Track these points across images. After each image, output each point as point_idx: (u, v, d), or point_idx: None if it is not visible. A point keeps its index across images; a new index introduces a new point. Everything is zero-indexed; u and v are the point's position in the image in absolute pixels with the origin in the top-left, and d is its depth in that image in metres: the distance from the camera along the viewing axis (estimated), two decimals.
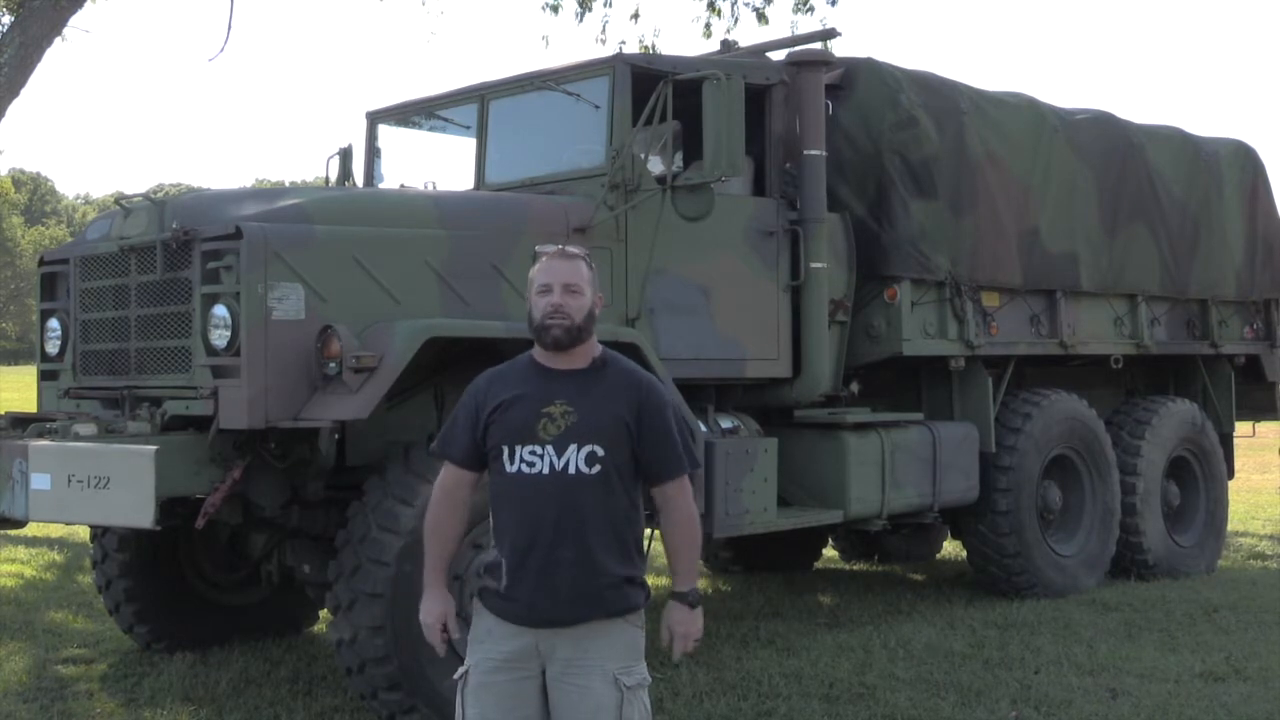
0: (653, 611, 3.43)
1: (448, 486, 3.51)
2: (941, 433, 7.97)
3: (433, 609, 3.50)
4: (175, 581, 6.88)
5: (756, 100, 7.22)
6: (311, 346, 5.35)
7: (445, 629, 3.50)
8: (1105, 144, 9.28)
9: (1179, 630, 7.51)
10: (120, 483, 4.97)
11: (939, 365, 8.28)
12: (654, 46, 14.95)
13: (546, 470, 3.32)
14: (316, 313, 5.41)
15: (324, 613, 6.37)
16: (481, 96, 7.45)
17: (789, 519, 7.17)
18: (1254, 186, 10.52)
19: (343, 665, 5.46)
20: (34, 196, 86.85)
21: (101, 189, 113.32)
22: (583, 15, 14.88)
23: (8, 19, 10.99)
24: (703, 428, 6.66)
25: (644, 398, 3.40)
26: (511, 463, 3.35)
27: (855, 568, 10.18)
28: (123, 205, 6.06)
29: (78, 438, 5.35)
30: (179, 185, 68.36)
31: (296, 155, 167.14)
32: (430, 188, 7.21)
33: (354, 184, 7.86)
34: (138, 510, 4.95)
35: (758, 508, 6.79)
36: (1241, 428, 10.74)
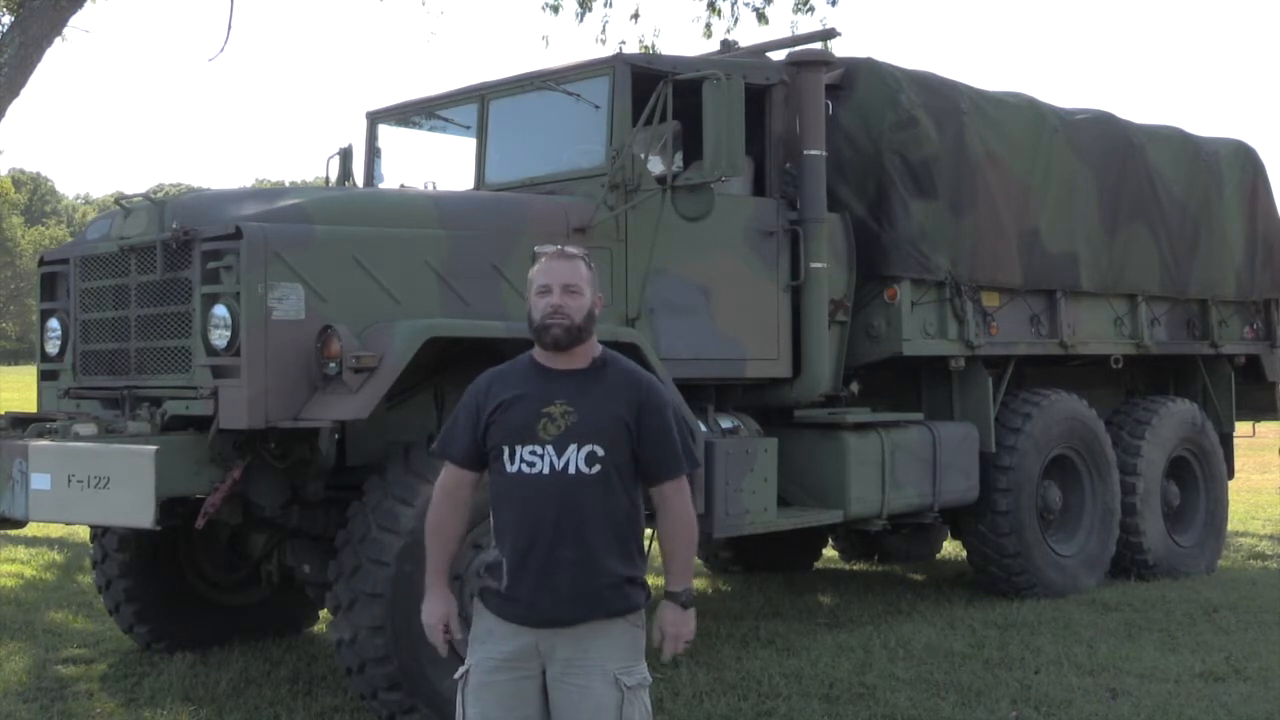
0: (652, 611, 3.43)
1: (449, 487, 3.52)
2: (941, 433, 7.97)
3: (435, 609, 3.50)
4: (175, 581, 6.88)
5: (756, 100, 7.22)
6: (311, 346, 5.35)
7: (447, 629, 3.49)
8: (1105, 144, 9.29)
9: (1179, 630, 7.51)
10: (120, 483, 4.97)
11: (939, 365, 8.28)
12: (654, 46, 14.97)
13: (546, 470, 3.32)
14: (316, 313, 5.41)
15: (324, 613, 6.38)
16: (481, 96, 7.45)
17: (789, 519, 7.17)
18: (1254, 186, 10.52)
19: (343, 665, 5.46)
20: (34, 196, 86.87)
21: (101, 189, 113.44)
22: (583, 15, 14.89)
23: (8, 19, 11.00)
24: (703, 428, 6.66)
25: (644, 397, 3.40)
26: (512, 463, 3.36)
27: (855, 568, 10.18)
28: (123, 205, 6.06)
29: (78, 438, 5.35)
30: (179, 185, 68.36)
31: (296, 155, 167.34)
32: (430, 188, 7.21)
33: (354, 184, 7.86)
34: (138, 510, 4.95)
35: (758, 508, 6.79)
36: (1241, 428, 10.74)
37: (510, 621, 3.35)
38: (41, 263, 6.60)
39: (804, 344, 7.34)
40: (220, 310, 5.34)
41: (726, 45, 8.81)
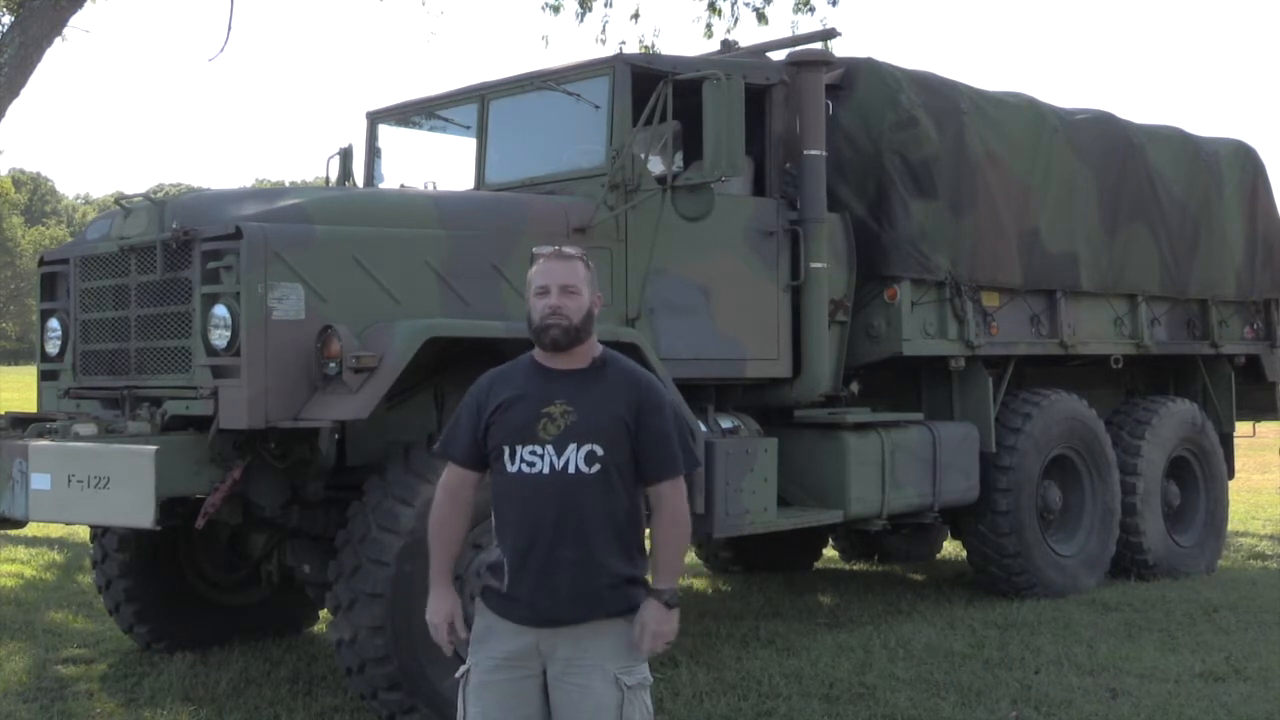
0: None
1: (451, 487, 3.52)
2: (941, 433, 7.97)
3: (440, 608, 3.49)
4: (175, 581, 6.88)
5: (756, 100, 7.22)
6: (311, 346, 5.35)
7: (452, 628, 3.49)
8: (1105, 144, 9.29)
9: (1179, 630, 7.51)
10: (120, 483, 4.97)
11: (939, 365, 8.28)
12: (654, 46, 14.98)
13: (546, 470, 3.33)
14: (316, 313, 5.41)
15: (324, 613, 6.38)
16: (481, 96, 7.45)
17: (789, 519, 7.17)
18: (1254, 186, 10.52)
19: (343, 665, 5.46)
20: (34, 196, 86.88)
21: (101, 189, 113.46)
22: (583, 15, 14.90)
23: (8, 19, 11.00)
24: (703, 428, 6.66)
25: (642, 397, 3.41)
26: (512, 463, 3.36)
27: (855, 568, 10.18)
28: (123, 205, 6.06)
29: (78, 438, 5.35)
30: (179, 185, 68.36)
31: (296, 155, 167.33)
32: (430, 188, 7.21)
33: (354, 184, 7.86)
34: (138, 510, 4.95)
35: (758, 508, 6.79)
36: (1241, 428, 10.74)
37: (511, 621, 3.35)
38: (41, 263, 6.60)
39: (804, 344, 7.34)
40: (220, 310, 5.34)
41: (726, 45, 8.81)
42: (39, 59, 10.73)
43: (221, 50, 15.71)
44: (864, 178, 7.85)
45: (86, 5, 11.01)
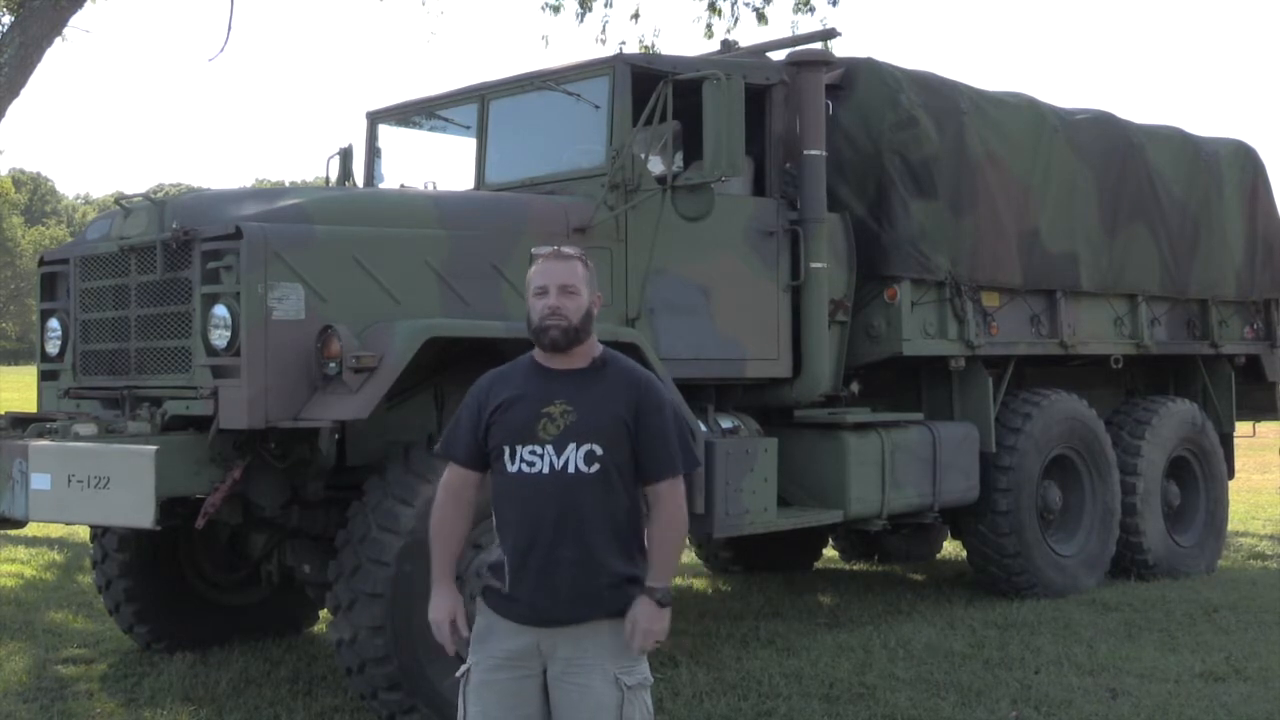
0: None
1: (453, 487, 3.52)
2: (941, 433, 7.97)
3: (442, 606, 3.49)
4: (175, 581, 6.88)
5: (756, 100, 7.22)
6: (311, 346, 5.35)
7: (454, 626, 3.49)
8: (1105, 144, 9.29)
9: (1179, 630, 7.51)
10: (120, 483, 4.97)
11: (939, 365, 8.28)
12: (654, 46, 14.98)
13: (546, 470, 3.33)
14: (316, 313, 5.41)
15: (324, 613, 6.38)
16: (481, 96, 7.45)
17: (789, 519, 7.17)
18: (1254, 186, 10.52)
19: (343, 665, 5.46)
20: (34, 196, 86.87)
21: (101, 189, 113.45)
22: (583, 15, 14.91)
23: (8, 19, 11.00)
24: (703, 428, 6.66)
25: (642, 396, 3.41)
26: (512, 462, 3.36)
27: (855, 568, 10.18)
28: (123, 205, 6.06)
29: (78, 438, 5.35)
30: (179, 185, 68.37)
31: (296, 155, 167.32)
32: (430, 188, 7.21)
33: (354, 184, 7.86)
34: (138, 510, 4.95)
35: (758, 508, 6.79)
36: (1241, 428, 10.74)
37: (511, 620, 3.35)
38: (41, 263, 6.60)
39: (804, 344, 7.34)
40: (220, 310, 5.34)
41: (726, 45, 8.81)
42: (39, 59, 10.74)
43: (221, 50, 15.75)
44: (864, 178, 7.85)
45: (86, 5, 11.03)
